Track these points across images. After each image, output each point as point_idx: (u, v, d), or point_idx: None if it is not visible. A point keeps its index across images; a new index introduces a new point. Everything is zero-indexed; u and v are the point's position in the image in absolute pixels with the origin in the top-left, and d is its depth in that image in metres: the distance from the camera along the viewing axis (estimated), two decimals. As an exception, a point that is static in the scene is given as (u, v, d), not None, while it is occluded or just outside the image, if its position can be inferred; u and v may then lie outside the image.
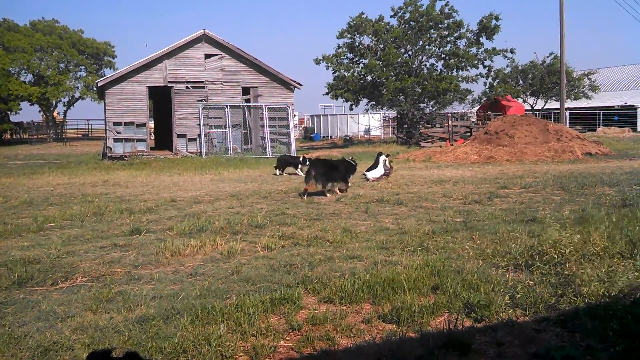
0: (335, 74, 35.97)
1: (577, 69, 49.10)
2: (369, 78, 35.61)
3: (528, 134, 21.49)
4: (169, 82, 27.38)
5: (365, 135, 46.78)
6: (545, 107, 49.45)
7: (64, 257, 6.70)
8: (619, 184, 11.82)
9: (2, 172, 20.29)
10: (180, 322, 4.42)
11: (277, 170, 17.68)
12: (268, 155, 26.71)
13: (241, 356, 3.93)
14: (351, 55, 36.39)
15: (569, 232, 6.32)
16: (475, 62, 34.95)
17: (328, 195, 11.67)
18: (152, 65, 27.18)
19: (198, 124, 27.49)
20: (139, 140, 27.34)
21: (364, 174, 14.35)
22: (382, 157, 14.64)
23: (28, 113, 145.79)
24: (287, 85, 29.01)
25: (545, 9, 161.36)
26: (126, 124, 27.03)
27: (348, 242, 7.10)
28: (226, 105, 27.77)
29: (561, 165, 17.72)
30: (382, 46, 35.31)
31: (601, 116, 47.39)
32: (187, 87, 27.62)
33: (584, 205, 8.99)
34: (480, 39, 34.85)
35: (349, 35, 35.69)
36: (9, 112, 52.92)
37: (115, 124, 26.95)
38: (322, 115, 52.23)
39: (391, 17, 36.14)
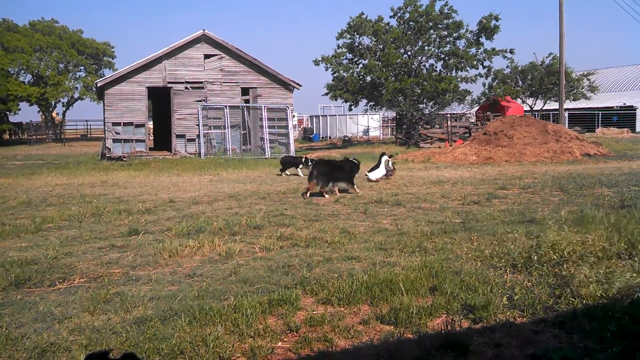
0: (335, 75, 35.98)
1: (576, 69, 49.19)
2: (368, 78, 35.61)
3: (527, 135, 21.50)
4: (168, 82, 27.37)
5: (364, 136, 46.79)
6: (544, 108, 49.47)
7: (62, 258, 6.69)
8: (617, 184, 11.83)
9: (0, 172, 20.29)
10: (177, 323, 4.41)
11: (284, 170, 17.79)
12: (267, 156, 26.70)
13: (239, 357, 3.93)
14: (350, 55, 36.39)
15: (567, 233, 6.32)
16: (475, 62, 34.95)
17: (326, 196, 11.66)
18: (151, 66, 27.18)
19: (197, 125, 27.47)
20: (137, 140, 27.32)
21: (366, 175, 14.35)
22: (385, 158, 14.64)
23: (27, 113, 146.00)
24: (287, 85, 29.01)
25: (544, 9, 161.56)
26: (125, 124, 27.02)
27: (346, 243, 7.09)
28: (225, 106, 27.76)
29: (560, 166, 17.73)
30: (381, 46, 35.31)
31: (600, 117, 47.42)
32: (186, 88, 27.61)
33: (583, 206, 8.98)
34: (480, 39, 34.86)
35: (348, 36, 35.70)
36: (8, 113, 52.89)
37: (114, 124, 26.93)
38: (321, 115, 52.25)
39: (391, 17, 36.18)
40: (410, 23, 35.18)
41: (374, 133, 47.91)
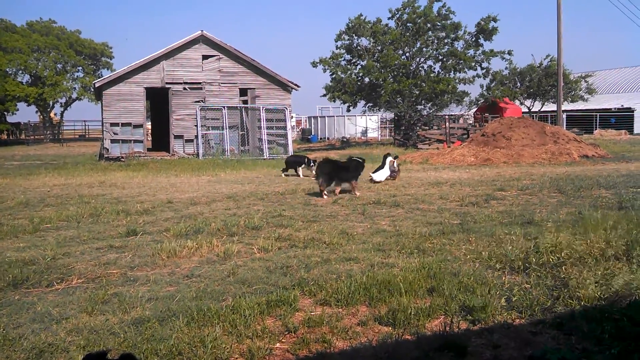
0: (333, 76, 35.99)
1: (574, 71, 49.37)
2: (367, 80, 35.62)
3: (525, 136, 21.52)
4: (167, 83, 27.35)
5: (363, 137, 46.81)
6: (542, 110, 49.59)
7: (60, 259, 6.68)
8: (615, 186, 11.85)
9: (-2, 172, 20.24)
10: (175, 324, 4.41)
11: (287, 170, 17.64)
12: (265, 157, 26.69)
13: (237, 358, 3.93)
14: (349, 56, 36.41)
15: (565, 234, 6.33)
16: (473, 64, 34.99)
17: (325, 196, 11.66)
18: (149, 66, 27.15)
19: (195, 125, 27.45)
20: (135, 141, 27.28)
21: (371, 176, 14.32)
22: (389, 159, 14.60)
23: (25, 114, 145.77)
24: (285, 86, 29.01)
25: (543, 10, 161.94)
26: (123, 124, 26.98)
27: (344, 244, 7.09)
28: (223, 107, 27.75)
29: (558, 167, 17.76)
30: (379, 48, 35.34)
31: (598, 118, 47.54)
32: (184, 88, 27.59)
33: (581, 207, 9.00)
34: (479, 40, 34.89)
35: (347, 37, 35.72)
36: (5, 113, 52.77)
37: (112, 124, 26.89)
38: (320, 116, 52.29)
39: (389, 18, 36.20)
40: (409, 24, 35.21)
41: (372, 134, 47.92)
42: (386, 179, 14.38)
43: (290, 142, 28.87)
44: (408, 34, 35.01)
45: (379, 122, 49.44)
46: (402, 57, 35.47)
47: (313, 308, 4.80)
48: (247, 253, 6.83)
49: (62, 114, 59.62)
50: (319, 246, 7.04)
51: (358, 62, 36.38)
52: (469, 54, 34.96)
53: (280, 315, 4.60)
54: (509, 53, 35.63)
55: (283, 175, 17.36)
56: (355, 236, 7.59)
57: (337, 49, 36.11)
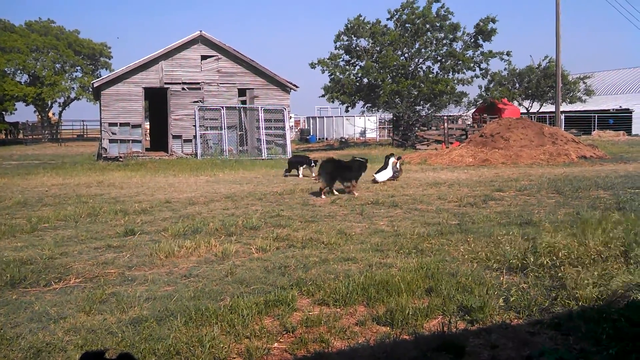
0: (332, 77, 36.00)
1: (572, 72, 49.44)
2: (365, 80, 35.64)
3: (523, 137, 21.55)
4: (165, 83, 27.34)
5: (361, 138, 46.84)
6: (540, 111, 49.66)
7: (58, 258, 6.67)
8: (613, 187, 11.86)
9: (-4, 172, 20.20)
10: (173, 323, 4.40)
11: (290, 171, 17.47)
12: (264, 157, 26.69)
13: (235, 358, 3.92)
14: (348, 57, 36.43)
15: (564, 235, 6.33)
16: (472, 64, 35.02)
17: (323, 196, 11.66)
18: (148, 67, 27.15)
19: (194, 125, 27.44)
20: (134, 141, 27.27)
21: (373, 176, 14.32)
22: (392, 159, 14.59)
23: (23, 113, 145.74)
24: (283, 87, 29.02)
25: (542, 11, 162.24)
26: (122, 124, 26.97)
27: (343, 244, 7.09)
28: (222, 107, 27.75)
29: (556, 168, 17.77)
30: (378, 48, 35.36)
31: (596, 119, 47.61)
32: (183, 89, 27.58)
33: (579, 208, 9.01)
34: (478, 41, 34.91)
35: (345, 38, 35.74)
36: (4, 113, 52.76)
37: (110, 124, 26.88)
38: (318, 117, 52.30)
39: (388, 19, 36.22)
40: (407, 25, 35.23)
41: (371, 135, 47.95)
42: (387, 180, 14.38)
43: (288, 142, 28.87)
44: (407, 34, 35.03)
45: (378, 123, 49.46)
46: (401, 57, 35.50)
47: (311, 308, 4.80)
48: (245, 253, 6.82)
49: (60, 113, 59.66)
50: (317, 246, 7.03)
51: (357, 62, 36.40)
52: (468, 55, 34.99)
53: (278, 315, 4.60)
54: (508, 54, 35.68)
55: (284, 176, 17.19)
56: (353, 236, 7.58)
57: (335, 49, 36.18)
